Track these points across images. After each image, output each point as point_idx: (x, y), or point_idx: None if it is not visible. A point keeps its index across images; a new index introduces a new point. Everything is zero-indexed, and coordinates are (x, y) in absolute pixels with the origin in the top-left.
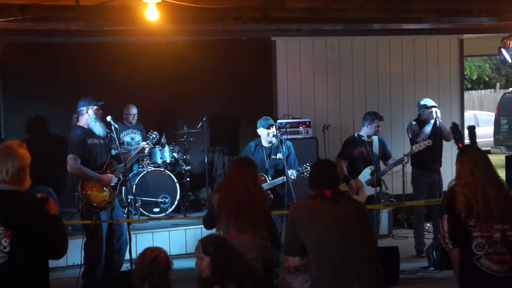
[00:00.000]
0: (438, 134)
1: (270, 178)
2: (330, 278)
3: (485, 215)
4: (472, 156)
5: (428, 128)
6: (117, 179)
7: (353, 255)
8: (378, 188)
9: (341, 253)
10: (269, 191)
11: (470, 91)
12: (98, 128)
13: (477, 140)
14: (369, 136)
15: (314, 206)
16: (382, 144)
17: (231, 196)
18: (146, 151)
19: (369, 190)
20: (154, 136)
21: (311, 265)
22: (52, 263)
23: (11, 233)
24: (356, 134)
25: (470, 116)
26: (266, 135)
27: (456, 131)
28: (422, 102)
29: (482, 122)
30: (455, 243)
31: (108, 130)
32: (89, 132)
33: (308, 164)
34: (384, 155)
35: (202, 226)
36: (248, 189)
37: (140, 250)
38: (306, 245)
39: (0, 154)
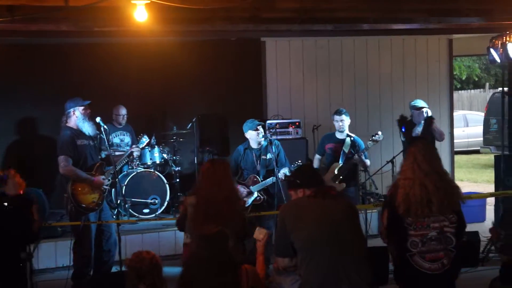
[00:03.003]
0: (429, 135)
1: (262, 179)
2: (319, 278)
3: (422, 209)
4: (412, 150)
5: (418, 129)
6: (109, 182)
7: (342, 254)
8: (344, 185)
9: (329, 253)
10: (262, 192)
11: (460, 91)
12: (87, 128)
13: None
14: (341, 133)
15: (302, 206)
16: (355, 143)
17: (204, 198)
18: (135, 155)
19: (336, 187)
20: (144, 140)
21: (300, 265)
22: (41, 264)
23: None
24: (332, 132)
25: (459, 116)
26: (256, 136)
27: (403, 123)
28: (412, 103)
29: (471, 122)
30: (391, 240)
31: (97, 131)
32: (78, 133)
33: (300, 161)
34: (358, 153)
35: None
36: (220, 190)
37: (130, 251)
38: (295, 245)
39: None
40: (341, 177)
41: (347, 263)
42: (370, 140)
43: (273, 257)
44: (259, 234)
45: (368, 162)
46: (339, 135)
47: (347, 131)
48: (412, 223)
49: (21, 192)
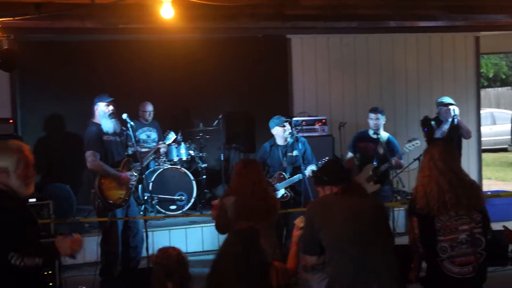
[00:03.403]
0: (456, 132)
1: (289, 176)
2: (349, 277)
3: (439, 205)
4: (430, 149)
5: (445, 126)
6: (136, 179)
7: (371, 253)
8: (378, 186)
9: (358, 251)
10: (288, 189)
11: (487, 89)
12: (107, 124)
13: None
14: (375, 132)
15: (330, 204)
16: (389, 143)
17: (245, 201)
18: (161, 151)
19: (370, 187)
20: (171, 136)
21: (328, 263)
22: (69, 261)
23: None
24: (365, 129)
25: (486, 114)
26: (282, 132)
27: (426, 125)
28: (439, 100)
29: (499, 120)
30: (425, 246)
31: (124, 128)
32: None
33: (327, 158)
34: (392, 154)
35: None
36: (260, 193)
37: (157, 247)
38: (323, 243)
39: None
40: (375, 178)
41: (377, 261)
42: (410, 145)
43: (301, 254)
44: (301, 222)
45: (403, 162)
46: (372, 134)
47: (381, 130)
48: (440, 228)
49: None
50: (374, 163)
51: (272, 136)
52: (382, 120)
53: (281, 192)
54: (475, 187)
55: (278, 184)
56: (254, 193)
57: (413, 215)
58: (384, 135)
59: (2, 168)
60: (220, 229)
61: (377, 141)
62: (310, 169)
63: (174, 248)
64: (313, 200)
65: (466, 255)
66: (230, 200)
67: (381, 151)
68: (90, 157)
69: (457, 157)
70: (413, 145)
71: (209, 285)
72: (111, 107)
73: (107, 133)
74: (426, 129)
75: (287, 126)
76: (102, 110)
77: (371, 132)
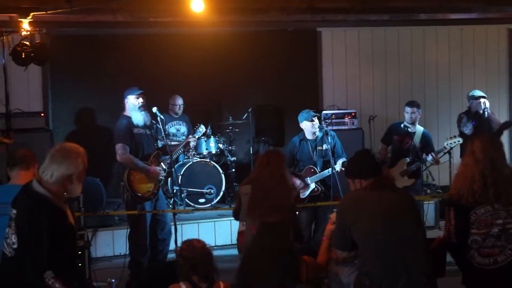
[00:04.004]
0: (487, 125)
1: (320, 170)
2: (379, 271)
3: (476, 200)
4: (473, 143)
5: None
6: (165, 174)
7: (402, 247)
8: (412, 180)
9: (389, 246)
10: (319, 183)
11: None
12: (137, 117)
13: None
14: (409, 126)
15: (362, 199)
16: (424, 137)
17: (259, 188)
18: (191, 145)
19: (404, 182)
20: (201, 130)
21: (359, 257)
22: (99, 253)
23: (16, 232)
24: (400, 122)
25: None
26: (311, 127)
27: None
28: (471, 93)
29: None
30: (458, 238)
31: (154, 121)
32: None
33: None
34: (427, 149)
35: None
36: (276, 184)
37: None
38: (354, 238)
39: (54, 155)
40: (410, 172)
41: (407, 256)
42: (452, 142)
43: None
44: (335, 217)
45: (440, 159)
46: (408, 127)
47: (417, 124)
48: (474, 221)
49: None
50: (409, 158)
51: (301, 130)
52: (418, 114)
53: (312, 186)
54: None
55: (309, 178)
56: (270, 184)
57: (450, 206)
58: (419, 129)
59: (68, 176)
60: (234, 215)
61: (412, 134)
62: (340, 162)
63: (198, 241)
64: (344, 196)
65: (493, 247)
66: (246, 189)
67: (415, 145)
68: (120, 150)
69: (500, 148)
70: (454, 142)
71: (240, 279)
72: (141, 100)
73: (137, 126)
74: (474, 123)
75: (316, 121)
76: (132, 102)
77: (406, 125)
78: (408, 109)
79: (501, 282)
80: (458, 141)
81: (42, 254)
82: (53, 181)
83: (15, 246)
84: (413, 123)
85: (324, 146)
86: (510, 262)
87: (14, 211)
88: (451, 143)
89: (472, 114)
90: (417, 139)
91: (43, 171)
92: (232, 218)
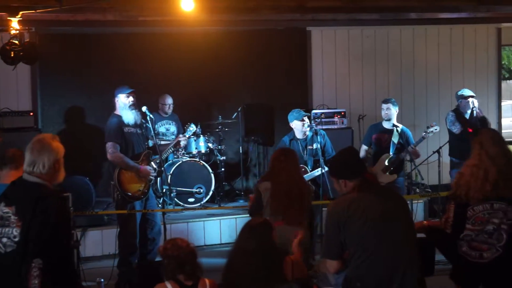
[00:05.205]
0: (476, 124)
1: (310, 169)
2: (371, 275)
3: (480, 194)
4: (478, 139)
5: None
6: (155, 173)
7: (396, 250)
8: (395, 176)
9: (384, 249)
10: (310, 182)
11: (508, 81)
12: (127, 116)
13: None
14: (386, 123)
15: (350, 202)
16: (404, 133)
17: (280, 187)
18: (182, 144)
19: (386, 178)
20: (191, 128)
21: (351, 261)
22: (88, 252)
23: (22, 224)
24: (379, 122)
25: (508, 106)
26: (301, 126)
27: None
28: (459, 93)
29: None
30: (453, 230)
31: (144, 120)
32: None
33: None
34: (408, 145)
35: (237, 216)
36: (295, 181)
37: None
38: (347, 242)
39: (35, 148)
40: (391, 168)
41: (400, 260)
42: (430, 131)
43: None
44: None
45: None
46: (386, 125)
47: (394, 121)
48: (471, 217)
49: None
50: (391, 153)
51: (291, 129)
52: (394, 110)
53: None
54: None
55: None
56: (289, 179)
57: (452, 200)
58: (398, 126)
59: (57, 160)
60: (251, 213)
61: (391, 131)
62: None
63: (182, 239)
64: (332, 202)
65: (482, 243)
66: (265, 185)
67: (395, 141)
68: (111, 149)
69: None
70: (432, 131)
71: (225, 281)
72: (131, 98)
73: (128, 125)
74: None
75: (306, 120)
76: (123, 101)
77: (385, 123)
78: (383, 105)
79: (486, 277)
80: (436, 129)
81: (42, 242)
82: (46, 171)
83: (16, 239)
84: (389, 120)
85: (314, 146)
86: (495, 259)
87: (10, 208)
88: (429, 132)
89: (463, 119)
90: (397, 137)
91: (32, 164)
92: (221, 217)
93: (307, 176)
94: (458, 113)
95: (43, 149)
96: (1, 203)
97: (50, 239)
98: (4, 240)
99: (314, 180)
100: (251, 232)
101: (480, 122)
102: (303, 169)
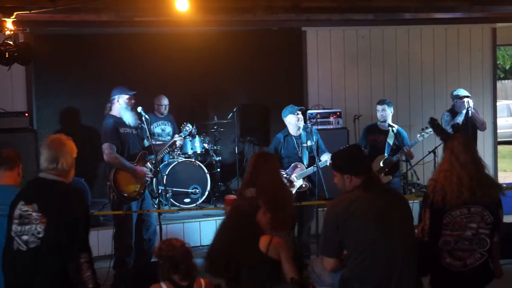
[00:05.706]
0: (471, 124)
1: (306, 166)
2: (370, 276)
3: (457, 199)
4: (450, 144)
5: (460, 118)
6: (151, 175)
7: (395, 251)
8: (390, 177)
9: (384, 250)
10: (306, 180)
11: (503, 81)
12: (128, 118)
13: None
14: (381, 124)
15: (353, 201)
16: (399, 134)
17: (265, 191)
18: (178, 144)
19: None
20: (187, 128)
21: (350, 262)
22: None
23: (47, 220)
24: (374, 123)
25: (503, 106)
26: (296, 121)
27: (433, 125)
28: (455, 93)
29: None
30: (431, 238)
31: (139, 121)
32: (121, 121)
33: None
34: (404, 145)
35: None
36: (278, 185)
37: None
38: (346, 242)
39: (53, 146)
40: (386, 169)
41: (399, 263)
42: (424, 134)
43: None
44: None
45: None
46: (381, 126)
47: (389, 122)
48: (448, 223)
49: None
50: (386, 154)
51: (285, 127)
52: (389, 111)
53: (299, 183)
54: (493, 180)
55: (296, 175)
56: (273, 184)
57: (427, 207)
58: (394, 127)
59: (74, 159)
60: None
61: (386, 132)
62: (326, 159)
63: (177, 240)
64: (334, 200)
65: (464, 251)
66: (251, 192)
67: (391, 142)
68: (107, 150)
69: (475, 147)
70: (427, 133)
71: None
72: (133, 101)
73: (124, 126)
74: (433, 130)
75: (300, 115)
76: (125, 102)
77: (380, 124)
78: (378, 107)
79: (466, 284)
80: (430, 131)
81: (82, 237)
82: (68, 168)
83: (41, 235)
84: (384, 121)
85: (309, 143)
86: (477, 266)
87: (29, 207)
88: (423, 134)
89: (431, 123)
90: (392, 138)
91: (54, 161)
92: (217, 217)
93: (302, 173)
94: (454, 113)
95: (64, 148)
96: (20, 202)
97: (87, 234)
98: (25, 237)
99: (309, 177)
100: (233, 212)
101: (453, 129)
102: (298, 167)
